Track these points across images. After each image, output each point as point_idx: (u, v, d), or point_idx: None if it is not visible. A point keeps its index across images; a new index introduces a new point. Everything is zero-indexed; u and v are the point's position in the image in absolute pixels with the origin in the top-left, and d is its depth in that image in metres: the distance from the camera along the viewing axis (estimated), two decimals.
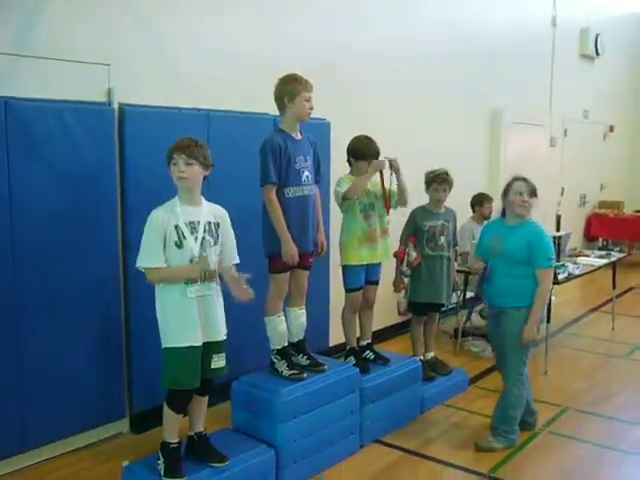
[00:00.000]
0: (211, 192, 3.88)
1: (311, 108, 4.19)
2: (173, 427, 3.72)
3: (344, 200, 4.73)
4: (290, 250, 4.10)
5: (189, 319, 3.58)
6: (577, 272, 6.60)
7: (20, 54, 4.05)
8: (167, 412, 3.70)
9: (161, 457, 3.69)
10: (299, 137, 4.25)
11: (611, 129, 12.31)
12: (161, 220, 3.54)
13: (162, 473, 3.62)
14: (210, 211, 3.73)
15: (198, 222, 3.63)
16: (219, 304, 3.75)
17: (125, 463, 3.83)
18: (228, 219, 3.81)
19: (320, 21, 6.01)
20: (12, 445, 4.15)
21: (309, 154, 4.27)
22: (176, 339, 3.59)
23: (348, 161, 4.91)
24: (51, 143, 4.14)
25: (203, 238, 3.62)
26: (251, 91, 5.20)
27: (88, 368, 4.45)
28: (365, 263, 4.83)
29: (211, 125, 4.89)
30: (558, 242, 6.42)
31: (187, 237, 3.57)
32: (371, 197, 4.82)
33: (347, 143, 4.92)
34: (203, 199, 3.74)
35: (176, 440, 3.72)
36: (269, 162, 4.04)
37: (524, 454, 4.55)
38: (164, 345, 3.64)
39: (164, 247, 3.54)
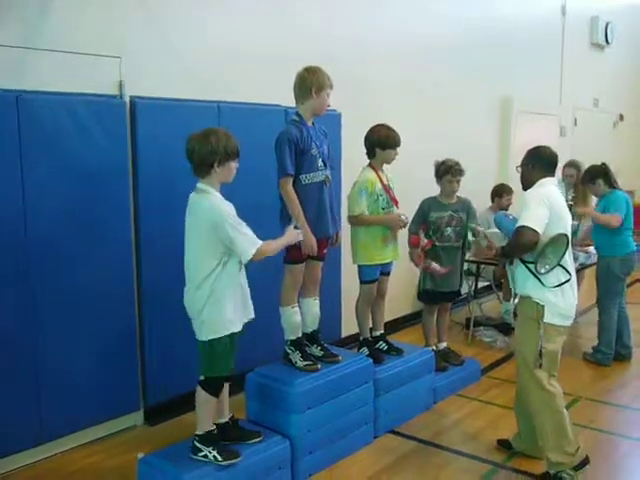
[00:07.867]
0: (223, 186, 3.85)
1: (329, 105, 4.23)
2: (210, 413, 3.71)
3: (351, 222, 4.77)
4: (309, 241, 4.09)
5: (239, 304, 3.64)
6: (589, 262, 6.58)
7: (31, 47, 4.05)
8: (206, 398, 3.65)
9: (205, 447, 3.64)
10: (312, 125, 4.22)
11: (621, 117, 12.22)
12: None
13: (218, 459, 3.60)
14: None
15: None
16: None
17: (140, 455, 3.83)
18: None
19: (331, 14, 5.99)
20: (29, 438, 4.18)
21: (323, 141, 4.26)
22: (229, 327, 3.58)
23: (367, 153, 4.84)
24: (63, 136, 4.15)
25: None
26: (261, 83, 5.21)
27: (102, 362, 4.47)
28: (388, 261, 4.86)
29: (221, 117, 4.88)
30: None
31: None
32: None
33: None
34: None
35: (214, 426, 3.74)
36: (285, 154, 4.01)
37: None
38: (212, 337, 3.56)
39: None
